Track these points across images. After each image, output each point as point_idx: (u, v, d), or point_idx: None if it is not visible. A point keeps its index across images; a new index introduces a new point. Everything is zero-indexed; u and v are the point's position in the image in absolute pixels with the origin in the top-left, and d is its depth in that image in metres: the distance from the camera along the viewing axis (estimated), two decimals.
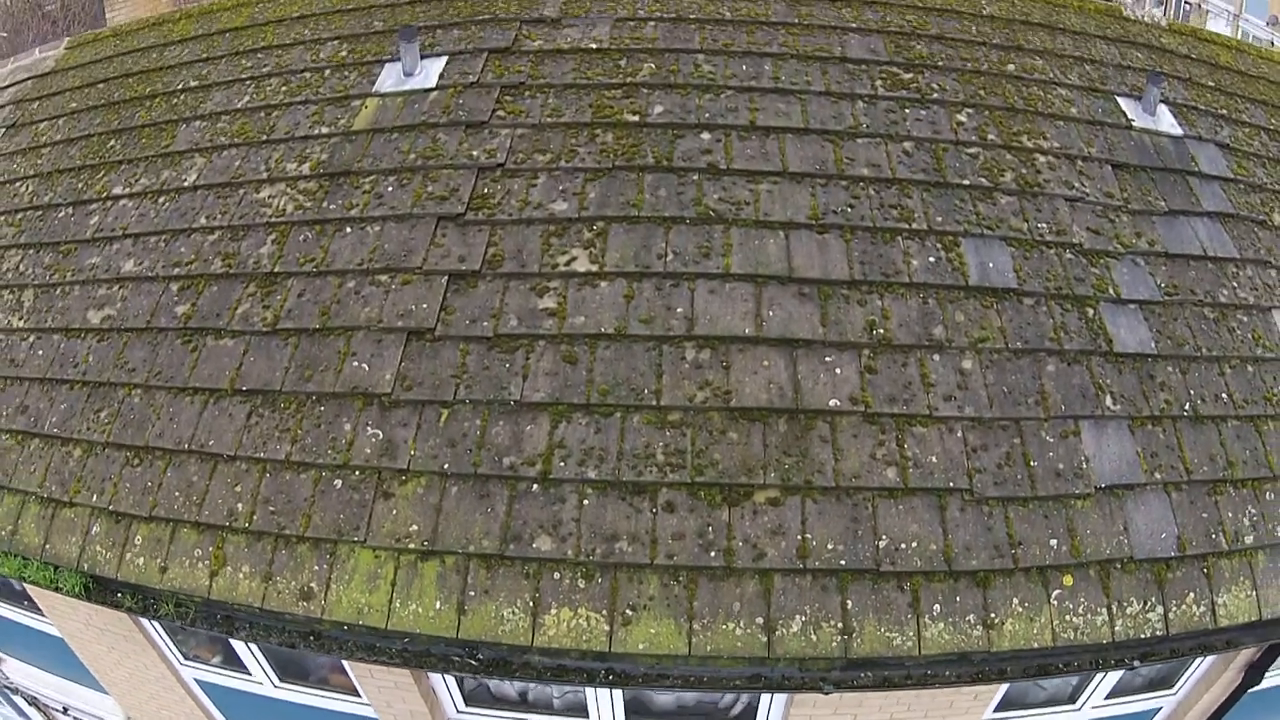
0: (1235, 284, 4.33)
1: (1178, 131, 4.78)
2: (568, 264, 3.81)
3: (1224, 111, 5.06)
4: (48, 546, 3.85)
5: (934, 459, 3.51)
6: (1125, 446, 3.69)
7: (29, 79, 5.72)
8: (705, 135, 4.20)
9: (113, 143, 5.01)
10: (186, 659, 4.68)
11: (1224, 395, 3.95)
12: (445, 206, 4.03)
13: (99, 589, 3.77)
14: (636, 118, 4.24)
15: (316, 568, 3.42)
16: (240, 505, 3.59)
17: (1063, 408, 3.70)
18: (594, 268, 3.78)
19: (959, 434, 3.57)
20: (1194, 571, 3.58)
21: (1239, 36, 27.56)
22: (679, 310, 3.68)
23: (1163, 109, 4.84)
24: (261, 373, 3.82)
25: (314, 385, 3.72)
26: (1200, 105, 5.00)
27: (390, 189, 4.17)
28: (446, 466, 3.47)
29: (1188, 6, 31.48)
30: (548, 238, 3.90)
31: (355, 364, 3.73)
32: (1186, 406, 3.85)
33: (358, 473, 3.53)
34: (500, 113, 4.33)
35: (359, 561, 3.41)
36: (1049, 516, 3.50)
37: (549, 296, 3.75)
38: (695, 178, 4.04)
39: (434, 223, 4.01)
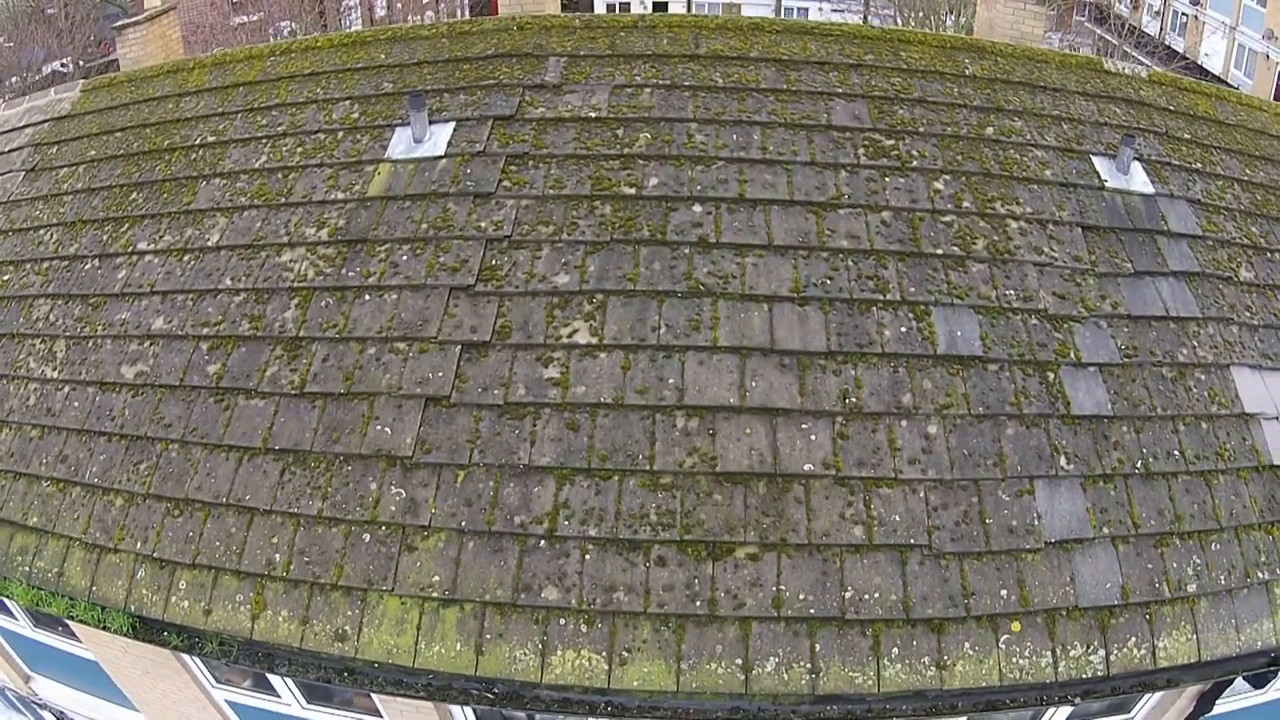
0: (1195, 343, 5.07)
1: (1150, 190, 5.49)
2: (570, 336, 4.57)
3: (1198, 165, 5.76)
4: (94, 589, 4.67)
5: (897, 517, 4.29)
6: (1076, 504, 4.46)
7: (45, 121, 6.44)
8: (697, 208, 4.93)
9: (134, 195, 5.75)
10: (219, 683, 5.53)
11: (1176, 452, 4.71)
12: (457, 278, 4.79)
13: (146, 628, 4.59)
14: (633, 190, 4.98)
15: (349, 613, 4.24)
16: (278, 556, 4.40)
17: (1019, 468, 4.46)
18: (594, 340, 4.55)
19: (921, 494, 4.35)
20: (1137, 618, 4.37)
21: (1234, 49, 27.85)
22: (670, 381, 4.45)
23: (1136, 167, 5.55)
24: (292, 433, 4.60)
25: (341, 447, 4.51)
26: (1174, 160, 5.70)
27: (405, 258, 4.92)
28: (464, 524, 4.27)
29: (1184, 20, 31.75)
30: (552, 310, 4.66)
31: (379, 428, 4.52)
32: (1138, 464, 4.61)
33: (384, 528, 4.33)
34: (506, 183, 5.06)
35: (387, 608, 4.22)
36: (1000, 569, 4.28)
37: (553, 366, 4.52)
38: (687, 251, 4.78)
39: (447, 293, 4.76)
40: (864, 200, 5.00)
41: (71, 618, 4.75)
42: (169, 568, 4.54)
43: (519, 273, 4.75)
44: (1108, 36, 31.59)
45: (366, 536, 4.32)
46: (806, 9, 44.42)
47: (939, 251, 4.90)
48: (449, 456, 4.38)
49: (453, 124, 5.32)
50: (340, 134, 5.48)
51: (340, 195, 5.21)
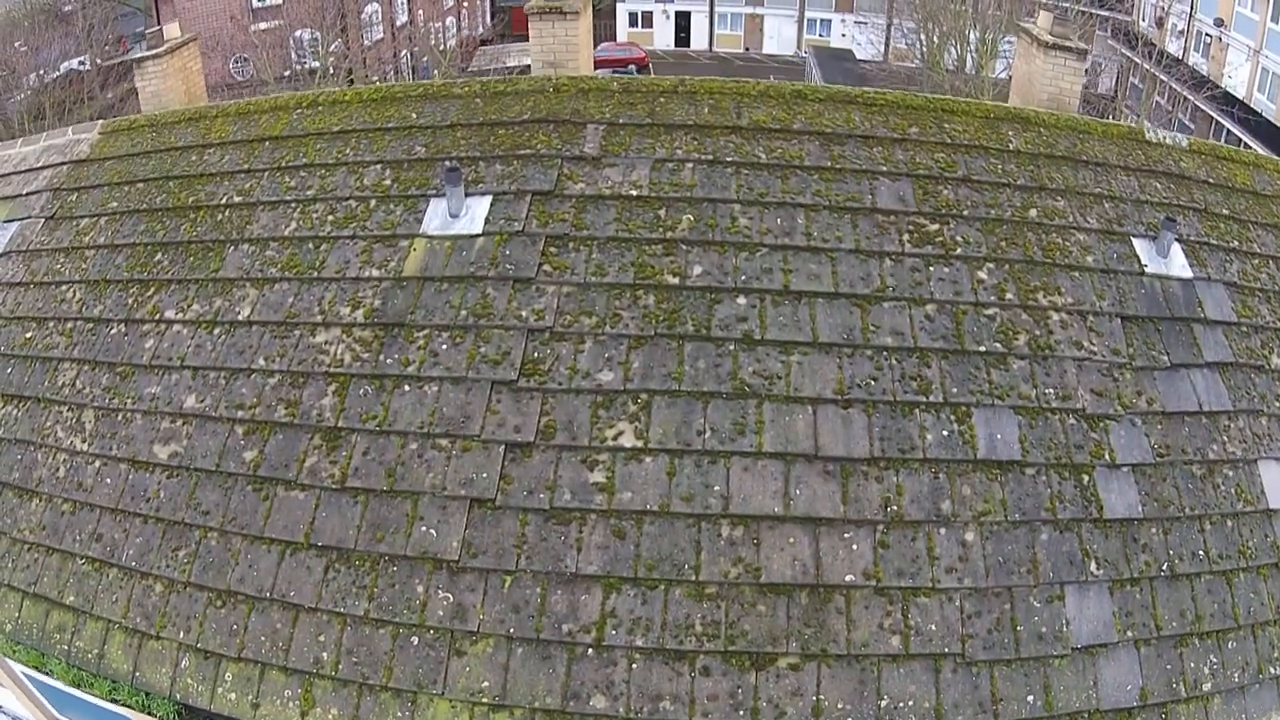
0: (1226, 438, 5.31)
1: (1188, 274, 5.66)
2: (615, 438, 4.73)
3: (1235, 243, 5.93)
4: (137, 674, 4.89)
5: (933, 626, 4.56)
6: (1103, 608, 4.75)
7: (64, 164, 6.40)
8: (741, 300, 5.05)
9: (159, 256, 5.77)
10: None
11: (1201, 552, 5.00)
12: (499, 371, 4.91)
13: (191, 716, 4.82)
14: (677, 279, 5.09)
15: (399, 714, 4.48)
16: (325, 654, 4.61)
17: (1051, 574, 4.73)
18: (639, 443, 4.71)
19: (957, 602, 4.61)
20: (1153, 717, 4.70)
21: (1258, 73, 27.78)
22: (716, 488, 4.64)
23: (1176, 249, 5.71)
24: (335, 529, 4.77)
25: (386, 547, 4.69)
26: (1213, 239, 5.86)
27: (445, 347, 5.03)
28: (512, 630, 4.49)
29: (1208, 40, 31.48)
30: (596, 409, 4.80)
31: (423, 529, 4.69)
32: (1165, 566, 4.89)
33: (432, 632, 4.55)
34: (546, 267, 5.15)
35: (437, 711, 4.47)
36: (1029, 675, 4.58)
37: (599, 470, 4.69)
38: (731, 348, 4.92)
39: (489, 388, 4.90)
40: (908, 292, 5.14)
41: (114, 700, 4.96)
42: (214, 659, 4.75)
43: (562, 368, 4.88)
44: (1133, 56, 31.51)
45: (415, 639, 4.53)
46: (830, 20, 43.92)
47: (981, 348, 5.07)
48: (495, 562, 4.58)
49: (489, 198, 5.37)
50: (372, 202, 5.51)
51: (375, 273, 5.27)
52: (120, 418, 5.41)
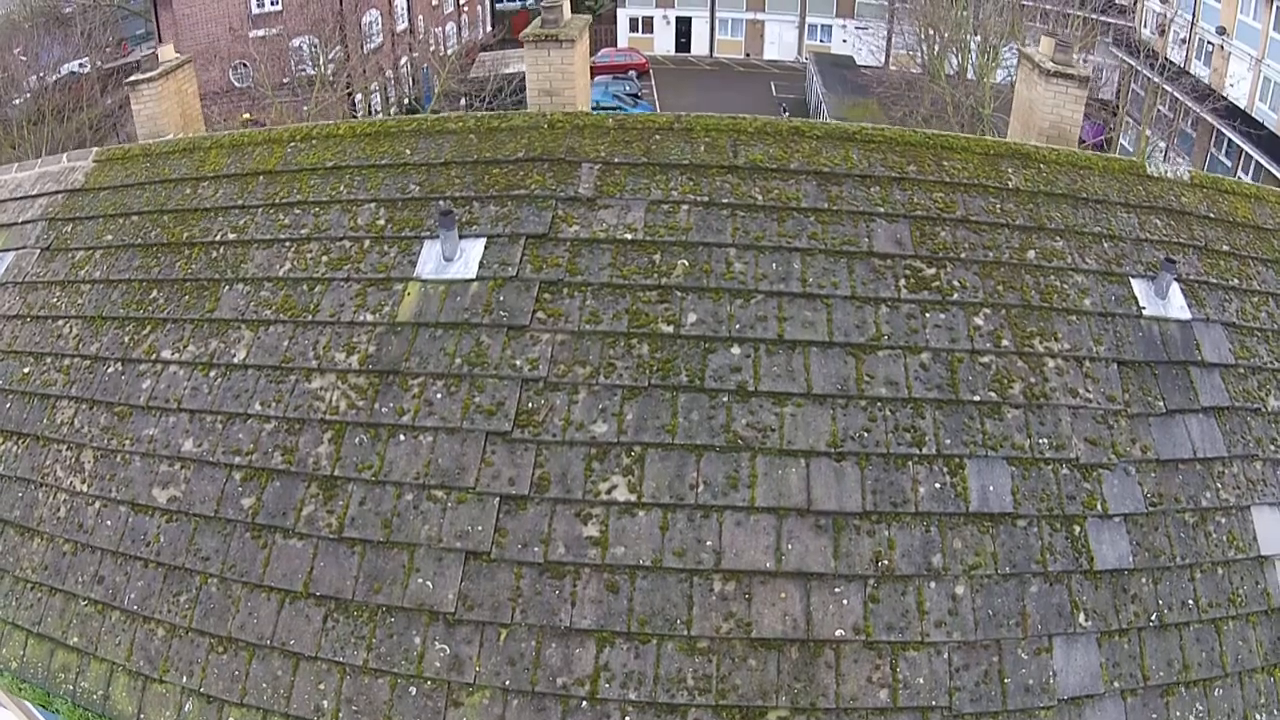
0: (1219, 484, 5.41)
1: (1186, 315, 5.72)
2: (609, 491, 4.85)
3: (1235, 281, 5.98)
4: (143, 716, 5.07)
5: (921, 680, 4.70)
6: (1091, 659, 4.89)
7: (59, 193, 6.46)
8: (736, 350, 5.13)
9: (155, 294, 5.86)
10: None
11: (1190, 601, 5.12)
12: (493, 422, 5.02)
13: None
14: (671, 328, 5.16)
15: None
16: (325, 702, 4.77)
17: (1040, 626, 4.87)
18: (633, 497, 4.83)
19: (945, 655, 4.75)
20: None
21: (1260, 82, 28.00)
22: (708, 543, 4.77)
23: (1174, 289, 5.76)
24: (333, 579, 4.91)
25: (383, 598, 4.83)
26: (1212, 278, 5.91)
27: (439, 396, 5.13)
28: (508, 683, 4.65)
29: (1209, 48, 31.33)
30: (590, 461, 4.91)
31: (420, 580, 4.83)
32: (1154, 616, 5.02)
33: (430, 683, 4.70)
34: (540, 314, 5.23)
35: None
36: None
37: (592, 524, 4.81)
38: (725, 399, 5.02)
39: (483, 438, 5.00)
40: (904, 340, 5.21)
41: None
42: (217, 703, 4.93)
43: (556, 419, 4.98)
44: (1135, 64, 31.57)
45: (413, 690, 4.69)
46: (831, 25, 43.96)
47: (976, 398, 5.16)
48: (491, 614, 4.72)
49: (483, 240, 5.43)
50: (366, 242, 5.58)
51: (369, 317, 5.35)
52: (119, 459, 5.53)
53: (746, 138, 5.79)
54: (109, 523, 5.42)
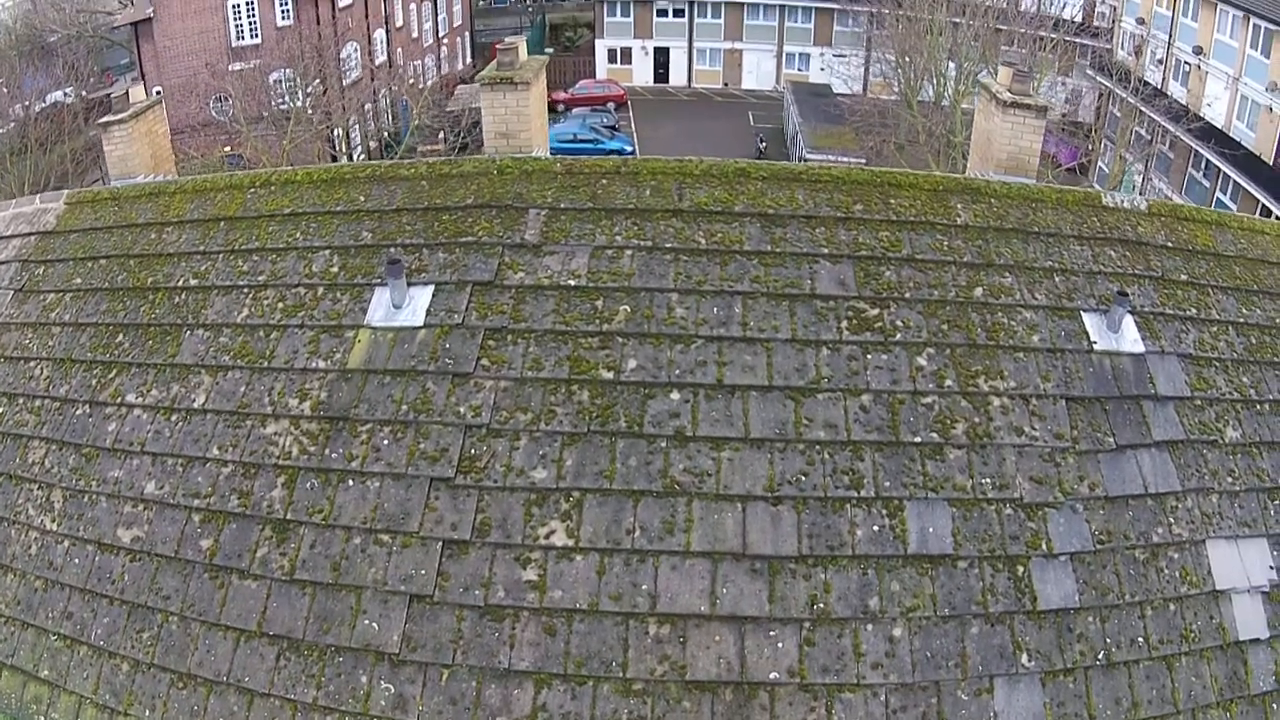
0: (1172, 519, 5.54)
1: (1139, 349, 5.86)
2: (547, 537, 5.12)
3: (1193, 310, 6.09)
4: None
5: None
6: (1034, 699, 5.05)
7: (32, 234, 6.92)
8: (675, 395, 5.37)
9: (120, 338, 6.25)
10: None
11: (1140, 639, 5.26)
12: (437, 469, 5.31)
13: None
14: (611, 374, 5.42)
15: None
16: None
17: (980, 667, 5.04)
18: (570, 542, 5.09)
19: (882, 697, 4.94)
20: None
21: (1237, 101, 28.28)
22: (644, 587, 5.01)
23: (1128, 322, 5.91)
24: (285, 619, 5.23)
25: (332, 638, 5.14)
26: (1169, 308, 6.04)
27: (386, 442, 5.43)
28: None
29: (1186, 69, 31.47)
30: (529, 507, 5.18)
31: (366, 622, 5.13)
32: (1100, 655, 5.17)
33: None
34: (485, 362, 5.52)
35: None
36: None
37: (531, 568, 5.08)
38: (663, 445, 5.26)
39: (428, 484, 5.30)
40: (844, 383, 5.42)
41: None
42: None
43: (497, 465, 5.26)
44: (1112, 86, 31.88)
45: None
46: (809, 53, 44.96)
47: (917, 439, 5.34)
48: (434, 655, 5.00)
49: (431, 288, 5.74)
50: (320, 290, 5.91)
51: (322, 364, 5.68)
52: (86, 499, 5.92)
53: (693, 180, 6.04)
54: (77, 561, 5.80)
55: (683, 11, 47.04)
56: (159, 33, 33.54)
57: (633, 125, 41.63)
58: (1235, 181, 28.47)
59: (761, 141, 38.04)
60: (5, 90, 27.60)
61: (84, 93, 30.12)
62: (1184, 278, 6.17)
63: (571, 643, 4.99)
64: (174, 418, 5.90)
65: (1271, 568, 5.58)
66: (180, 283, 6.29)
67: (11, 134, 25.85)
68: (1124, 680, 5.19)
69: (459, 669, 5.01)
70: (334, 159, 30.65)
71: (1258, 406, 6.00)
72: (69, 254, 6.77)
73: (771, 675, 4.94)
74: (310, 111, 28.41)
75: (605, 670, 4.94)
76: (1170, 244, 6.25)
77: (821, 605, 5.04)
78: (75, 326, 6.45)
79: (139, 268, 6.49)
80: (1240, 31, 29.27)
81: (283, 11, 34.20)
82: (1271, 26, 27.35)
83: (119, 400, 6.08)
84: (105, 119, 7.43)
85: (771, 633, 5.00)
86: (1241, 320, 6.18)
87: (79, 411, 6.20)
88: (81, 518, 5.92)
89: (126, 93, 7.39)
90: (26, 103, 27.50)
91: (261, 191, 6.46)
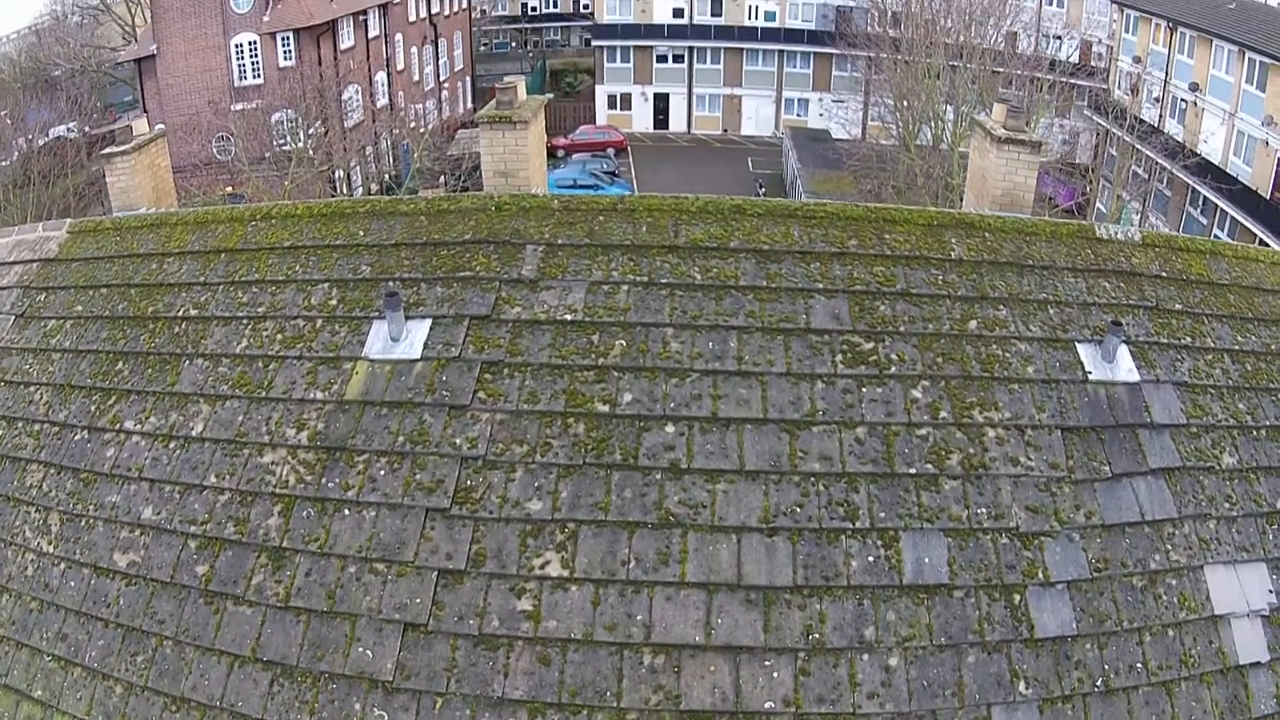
0: (1170, 545, 5.60)
1: (1135, 378, 5.96)
2: (542, 567, 5.19)
3: (1187, 339, 6.21)
4: None
5: None
6: None
7: (34, 262, 7.11)
8: (670, 428, 5.48)
9: (120, 366, 6.40)
10: None
11: (1139, 665, 5.30)
12: (433, 499, 5.40)
13: None
14: (607, 407, 5.54)
15: None
16: None
17: (977, 696, 5.09)
18: (565, 572, 5.17)
19: None
20: None
21: (1234, 136, 29.06)
22: (639, 617, 5.08)
23: (1122, 352, 6.02)
24: (279, 645, 5.30)
25: (326, 665, 5.21)
26: (1163, 338, 6.15)
27: (382, 473, 5.53)
28: None
29: (1183, 106, 32.42)
30: (525, 538, 5.27)
31: (361, 649, 5.20)
32: (1099, 682, 5.21)
33: None
34: (481, 394, 5.63)
35: None
36: None
37: (526, 598, 5.15)
38: (658, 477, 5.36)
39: (423, 515, 5.39)
40: (839, 415, 5.52)
41: None
42: None
43: (493, 496, 5.35)
44: (1106, 124, 32.77)
45: None
46: (808, 99, 46.19)
47: (912, 470, 5.43)
48: (427, 684, 5.06)
49: (429, 321, 5.87)
50: (319, 322, 6.05)
51: (319, 395, 5.80)
52: (83, 523, 6.05)
53: (688, 217, 6.20)
54: (73, 583, 5.90)
55: (682, 57, 48.15)
56: (162, 70, 34.28)
57: (633, 171, 42.26)
58: (1232, 217, 28.89)
59: (761, 186, 38.62)
60: (9, 122, 28.11)
61: (87, 128, 30.66)
62: (1179, 307, 6.30)
63: (566, 672, 5.04)
64: (172, 445, 6.02)
65: (1271, 591, 5.63)
66: (180, 313, 6.46)
67: (14, 167, 26.27)
68: (1123, 706, 5.23)
69: (453, 697, 5.06)
70: None
71: (1254, 432, 6.09)
72: (70, 282, 6.97)
73: (767, 705, 4.98)
74: (312, 152, 28.89)
75: (599, 700, 4.99)
76: (1164, 274, 6.39)
77: (817, 635, 5.10)
78: (75, 353, 6.62)
79: (139, 297, 6.66)
80: (1236, 67, 29.88)
81: (285, 52, 34.98)
82: (1267, 60, 27.86)
83: (118, 426, 6.21)
84: (108, 150, 7.65)
85: (766, 663, 5.05)
86: (1236, 347, 6.30)
87: (78, 437, 6.33)
88: (78, 541, 6.02)
89: (130, 125, 7.60)
90: (30, 136, 27.99)
91: (262, 224, 6.65)
